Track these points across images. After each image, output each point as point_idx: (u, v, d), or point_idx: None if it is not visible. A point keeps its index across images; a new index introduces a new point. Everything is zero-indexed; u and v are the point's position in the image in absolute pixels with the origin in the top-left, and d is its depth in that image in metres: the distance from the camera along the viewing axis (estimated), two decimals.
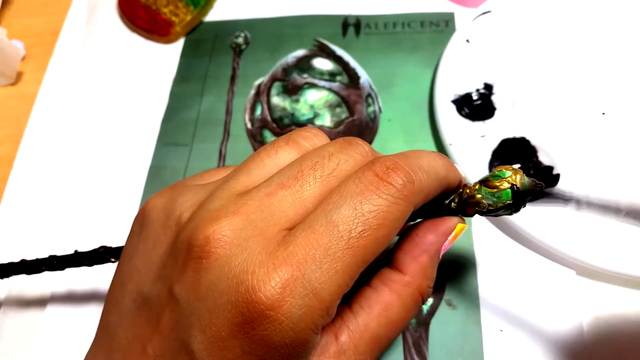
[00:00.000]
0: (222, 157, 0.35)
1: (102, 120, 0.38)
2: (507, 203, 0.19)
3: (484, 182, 0.20)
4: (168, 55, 0.40)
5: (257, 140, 0.35)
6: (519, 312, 0.28)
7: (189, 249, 0.16)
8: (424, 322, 0.28)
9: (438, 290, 0.29)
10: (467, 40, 0.35)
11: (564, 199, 0.20)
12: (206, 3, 0.41)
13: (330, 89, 0.36)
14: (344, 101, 0.36)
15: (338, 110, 0.36)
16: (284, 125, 0.35)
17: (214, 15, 0.42)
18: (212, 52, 0.40)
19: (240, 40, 0.40)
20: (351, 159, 0.18)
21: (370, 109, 0.36)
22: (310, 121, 0.35)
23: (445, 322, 0.28)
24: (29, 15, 0.44)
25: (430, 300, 0.29)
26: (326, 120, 0.35)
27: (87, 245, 0.33)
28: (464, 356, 0.27)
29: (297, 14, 0.40)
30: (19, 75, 0.41)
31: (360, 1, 0.40)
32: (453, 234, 0.20)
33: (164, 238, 0.18)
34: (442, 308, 0.28)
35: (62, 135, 0.37)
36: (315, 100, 0.36)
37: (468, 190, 0.20)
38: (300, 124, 0.35)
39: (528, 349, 0.27)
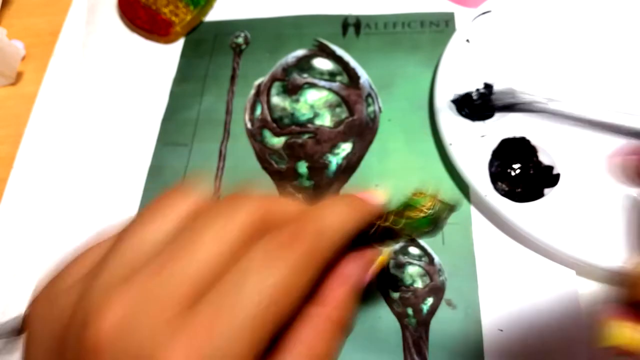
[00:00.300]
0: (222, 157, 0.35)
1: (102, 120, 0.38)
2: (425, 231, 0.20)
3: (400, 213, 0.20)
4: (168, 55, 0.40)
5: (257, 140, 0.35)
6: (519, 312, 0.28)
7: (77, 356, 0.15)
8: (424, 322, 0.28)
9: (438, 290, 0.29)
10: (467, 40, 0.35)
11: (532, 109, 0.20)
12: (206, 3, 0.41)
13: (330, 89, 0.36)
14: (344, 101, 0.36)
15: (338, 110, 0.36)
16: (284, 125, 0.36)
17: (214, 15, 0.42)
18: (212, 52, 0.40)
19: (240, 40, 0.40)
20: (235, 213, 0.17)
21: (370, 108, 0.36)
22: (310, 121, 0.35)
23: (445, 322, 0.28)
24: (29, 15, 0.44)
25: (430, 300, 0.29)
26: (326, 120, 0.35)
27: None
28: (464, 356, 0.27)
29: (297, 14, 0.40)
30: (19, 75, 0.41)
31: (360, 1, 0.40)
32: (374, 265, 0.21)
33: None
34: (442, 308, 0.28)
35: (62, 136, 0.37)
36: (315, 100, 0.36)
37: (387, 223, 0.20)
38: (300, 124, 0.35)
39: (528, 348, 0.27)
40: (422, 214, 0.20)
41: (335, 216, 0.19)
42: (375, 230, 0.21)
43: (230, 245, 0.16)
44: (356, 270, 0.20)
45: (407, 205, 0.20)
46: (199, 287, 0.15)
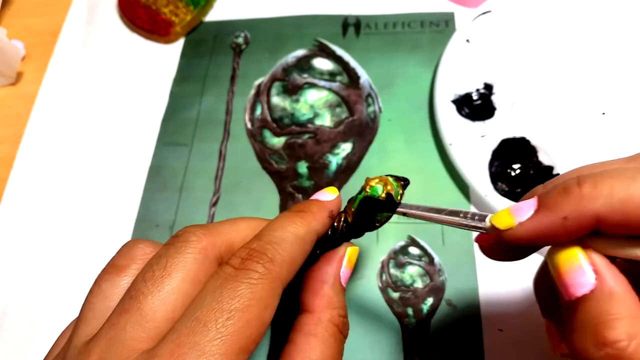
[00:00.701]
0: (222, 157, 0.35)
1: (102, 120, 0.38)
2: (382, 207, 0.21)
3: (356, 206, 0.22)
4: (168, 55, 0.40)
5: (257, 140, 0.35)
6: (519, 312, 0.28)
7: None
8: (424, 322, 0.28)
9: (438, 290, 0.29)
10: (467, 40, 0.35)
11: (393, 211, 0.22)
12: (206, 3, 0.41)
13: (330, 89, 0.36)
14: (344, 101, 0.36)
15: (338, 110, 0.36)
16: (284, 125, 0.35)
17: (214, 15, 0.42)
18: (212, 52, 0.40)
19: (240, 40, 0.40)
20: (181, 249, 0.18)
21: (370, 108, 0.36)
22: (310, 121, 0.35)
23: (445, 322, 0.28)
24: (29, 15, 0.44)
25: (430, 300, 0.29)
26: (326, 120, 0.35)
27: (86, 245, 0.33)
28: (464, 356, 0.27)
29: (297, 14, 0.40)
30: (19, 75, 0.41)
31: (360, 1, 0.40)
32: (346, 259, 0.21)
33: None
34: (442, 308, 0.28)
35: (62, 135, 0.37)
36: (315, 100, 0.36)
37: (342, 223, 0.22)
38: (300, 124, 0.35)
39: (528, 348, 0.27)
40: (375, 193, 0.21)
41: (286, 228, 0.19)
42: (336, 231, 0.22)
43: (183, 283, 0.17)
44: (331, 270, 0.21)
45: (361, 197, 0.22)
46: (157, 329, 0.16)
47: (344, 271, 0.21)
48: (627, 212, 0.14)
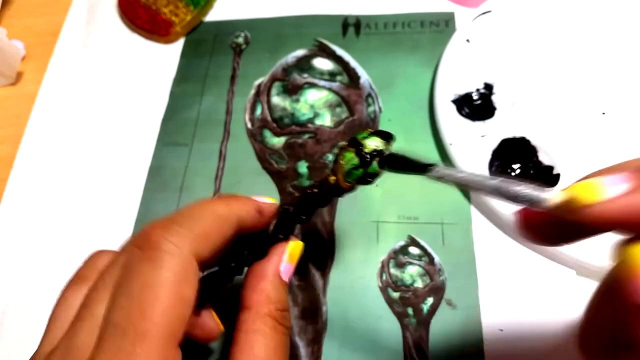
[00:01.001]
0: (222, 157, 0.35)
1: (102, 120, 0.38)
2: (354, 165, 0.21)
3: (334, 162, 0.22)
4: (168, 55, 0.40)
5: (257, 140, 0.35)
6: (519, 312, 0.28)
7: None
8: (424, 321, 0.28)
9: (438, 290, 0.29)
10: (467, 40, 0.35)
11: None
12: (206, 3, 0.41)
13: (330, 89, 0.36)
14: (344, 101, 0.36)
15: (338, 110, 0.36)
16: (284, 125, 0.35)
17: (214, 15, 0.42)
18: (212, 52, 0.40)
19: (240, 40, 0.40)
20: (149, 258, 0.18)
21: (371, 108, 0.36)
22: (311, 121, 0.35)
23: (446, 322, 0.28)
24: (29, 15, 0.44)
25: (430, 300, 0.29)
26: (326, 120, 0.35)
27: (87, 245, 0.33)
28: (464, 356, 0.27)
29: (297, 14, 0.40)
30: (19, 75, 0.41)
31: (360, 1, 0.40)
32: (287, 253, 0.21)
33: None
34: (442, 308, 0.28)
35: (62, 135, 0.37)
36: (315, 100, 0.36)
37: (272, 226, 0.22)
38: (301, 124, 0.35)
39: (528, 348, 0.27)
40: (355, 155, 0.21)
41: (205, 207, 0.19)
42: (275, 227, 0.22)
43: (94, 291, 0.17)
44: (269, 265, 0.21)
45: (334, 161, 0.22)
46: (85, 345, 0.16)
47: (285, 266, 0.21)
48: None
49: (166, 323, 0.16)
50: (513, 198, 0.15)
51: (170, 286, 0.16)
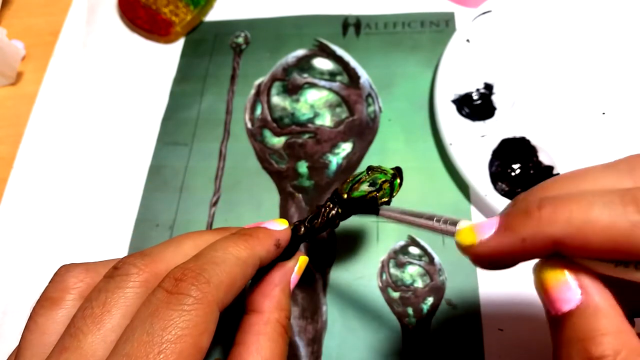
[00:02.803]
0: (222, 156, 0.35)
1: (102, 120, 0.38)
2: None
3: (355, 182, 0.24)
4: (168, 55, 0.40)
5: (257, 139, 0.35)
6: (519, 312, 0.28)
7: None
8: (424, 321, 0.28)
9: (438, 290, 0.29)
10: (467, 40, 0.35)
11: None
12: (206, 3, 0.41)
13: (330, 89, 0.36)
14: (344, 101, 0.36)
15: (338, 110, 0.36)
16: (284, 125, 0.36)
17: (214, 15, 0.42)
18: (212, 51, 0.40)
19: (240, 40, 0.40)
20: (120, 284, 0.18)
21: (371, 108, 0.36)
22: (311, 121, 0.35)
23: (446, 322, 0.28)
24: (29, 15, 0.44)
25: (430, 300, 0.29)
26: (326, 120, 0.35)
27: (86, 245, 0.33)
28: (464, 356, 0.27)
29: (297, 14, 0.40)
30: (19, 75, 0.41)
31: (361, 1, 0.40)
32: (298, 266, 0.23)
33: None
34: (443, 307, 0.28)
35: (62, 135, 0.37)
36: (315, 100, 0.36)
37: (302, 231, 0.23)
38: (301, 124, 0.35)
39: (528, 348, 0.27)
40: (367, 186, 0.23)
41: (226, 249, 0.19)
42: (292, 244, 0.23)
43: (124, 320, 0.17)
44: (281, 276, 0.22)
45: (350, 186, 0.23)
46: (103, 357, 0.16)
47: (294, 277, 0.23)
48: (585, 238, 0.14)
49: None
50: (438, 231, 0.18)
51: (190, 333, 0.16)
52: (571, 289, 0.15)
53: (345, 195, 0.23)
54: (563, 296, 0.15)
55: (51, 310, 0.18)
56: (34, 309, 0.19)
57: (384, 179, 0.23)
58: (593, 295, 0.14)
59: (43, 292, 0.19)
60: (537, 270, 0.16)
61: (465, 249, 0.16)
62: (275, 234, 0.22)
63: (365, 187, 0.23)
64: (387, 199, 0.23)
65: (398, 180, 0.24)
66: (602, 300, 0.14)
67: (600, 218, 0.14)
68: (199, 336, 0.16)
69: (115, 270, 0.18)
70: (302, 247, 0.31)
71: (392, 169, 0.24)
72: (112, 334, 0.16)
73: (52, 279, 0.20)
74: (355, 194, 0.23)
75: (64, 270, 0.20)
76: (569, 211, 0.14)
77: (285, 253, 0.23)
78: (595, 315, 0.14)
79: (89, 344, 0.16)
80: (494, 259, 0.16)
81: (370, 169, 0.24)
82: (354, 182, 0.23)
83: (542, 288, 0.16)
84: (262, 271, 0.22)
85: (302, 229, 0.23)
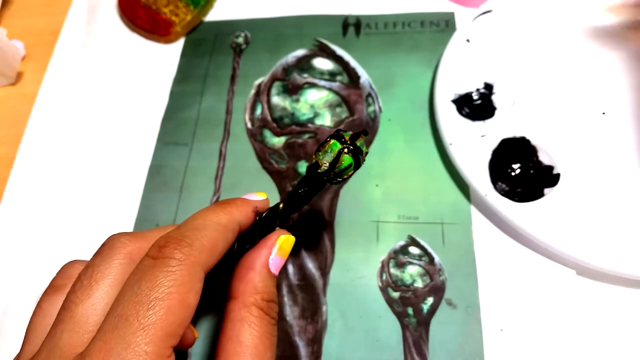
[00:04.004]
0: (222, 156, 0.35)
1: (102, 120, 0.38)
2: (339, 151, 0.21)
3: (316, 150, 0.22)
4: (168, 55, 0.40)
5: (257, 139, 0.35)
6: (519, 312, 0.28)
7: None
8: (424, 321, 0.28)
9: (438, 290, 0.29)
10: (467, 40, 0.35)
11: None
12: (206, 3, 0.41)
13: (330, 89, 0.36)
14: (344, 101, 0.36)
15: (338, 110, 0.36)
16: (284, 125, 0.36)
17: (214, 15, 0.42)
18: (212, 51, 0.40)
19: (240, 40, 0.40)
20: (106, 257, 0.19)
21: (371, 108, 0.36)
22: (311, 121, 0.35)
23: (446, 322, 0.28)
24: (29, 15, 0.44)
25: (430, 300, 0.29)
26: (326, 120, 0.35)
27: (86, 245, 0.33)
28: (464, 356, 0.27)
29: (297, 14, 0.40)
30: (19, 75, 0.41)
31: (361, 1, 0.40)
32: (278, 245, 0.22)
33: None
34: (443, 307, 0.28)
35: (62, 135, 0.38)
36: (315, 100, 0.36)
37: (312, 160, 0.22)
38: (301, 124, 0.35)
39: (528, 348, 0.27)
40: (333, 140, 0.21)
41: (207, 216, 0.20)
42: (269, 218, 0.23)
43: (111, 289, 0.18)
44: (258, 256, 0.21)
45: (321, 144, 0.22)
46: (90, 332, 0.17)
47: (275, 259, 0.21)
48: None
49: (169, 322, 0.16)
50: None
51: (177, 291, 0.17)
52: None
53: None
54: None
55: (54, 296, 0.20)
56: (40, 297, 0.20)
57: (336, 149, 0.21)
58: None
59: (49, 282, 0.21)
60: None
61: None
62: (252, 202, 0.23)
63: (324, 158, 0.21)
64: (328, 173, 0.21)
65: (345, 151, 0.21)
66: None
67: None
68: (186, 294, 0.17)
69: (102, 246, 0.20)
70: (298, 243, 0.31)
71: (352, 134, 0.21)
72: (101, 301, 0.18)
73: (58, 271, 0.21)
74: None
75: (70, 264, 0.21)
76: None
77: (264, 231, 0.22)
78: None
79: (80, 313, 0.17)
80: None
81: (333, 135, 0.21)
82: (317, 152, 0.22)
83: None
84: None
85: (280, 206, 0.23)
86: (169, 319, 0.16)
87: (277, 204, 0.23)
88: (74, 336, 0.17)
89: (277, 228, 0.23)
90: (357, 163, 0.21)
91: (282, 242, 0.22)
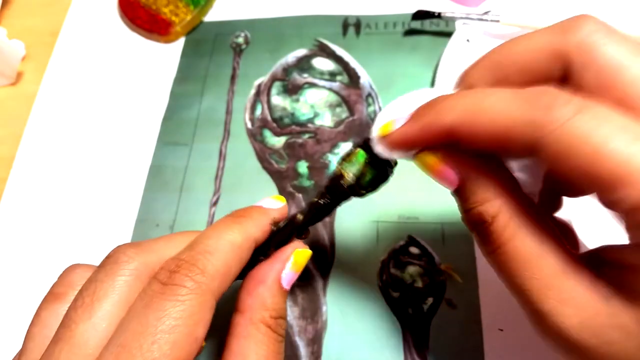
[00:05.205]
0: (222, 156, 0.35)
1: (102, 120, 0.38)
2: (366, 162, 0.20)
3: (341, 159, 0.21)
4: (168, 55, 0.40)
5: (257, 139, 0.35)
6: (519, 312, 0.28)
7: None
8: (424, 321, 0.28)
9: (438, 290, 0.29)
10: (468, 40, 0.35)
11: None
12: (206, 3, 0.41)
13: (330, 89, 0.36)
14: (344, 101, 0.36)
15: (338, 110, 0.36)
16: (284, 124, 0.36)
17: (214, 15, 0.42)
18: (212, 51, 0.40)
19: (240, 40, 0.40)
20: (110, 272, 0.18)
21: (371, 108, 0.36)
22: (311, 121, 0.35)
23: (446, 322, 0.28)
24: (29, 15, 0.44)
25: (430, 300, 0.29)
26: (326, 120, 0.35)
27: (86, 245, 0.33)
28: (464, 356, 0.27)
29: (297, 14, 0.40)
30: (19, 75, 0.41)
31: (361, 1, 0.40)
32: (293, 260, 0.20)
33: None
34: (443, 308, 0.28)
35: (62, 135, 0.38)
36: (315, 100, 0.36)
37: (336, 171, 0.21)
38: (301, 124, 0.35)
39: (528, 348, 0.27)
40: (358, 149, 0.20)
41: (221, 235, 0.18)
42: (285, 230, 0.21)
43: (114, 308, 0.17)
44: (270, 270, 0.20)
45: (344, 156, 0.21)
46: (90, 356, 0.16)
47: (288, 273, 0.20)
48: (474, 126, 0.16)
49: (174, 357, 0.15)
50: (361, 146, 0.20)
51: (185, 323, 0.16)
52: (447, 169, 0.18)
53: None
54: (443, 176, 0.18)
55: (54, 305, 0.18)
56: (40, 304, 0.19)
57: (363, 160, 0.20)
58: (470, 172, 0.17)
59: (49, 289, 0.19)
60: (419, 156, 0.19)
61: (382, 138, 0.19)
62: (270, 212, 0.21)
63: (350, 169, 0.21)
64: (353, 187, 0.20)
65: (371, 161, 0.20)
66: (478, 177, 0.17)
67: (491, 107, 0.15)
68: (194, 326, 0.16)
69: (106, 259, 0.18)
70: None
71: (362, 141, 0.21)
72: (102, 322, 0.17)
73: (58, 277, 0.20)
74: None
75: (71, 269, 0.20)
76: (465, 101, 0.16)
77: (280, 243, 0.21)
78: (474, 188, 0.17)
79: (80, 333, 0.16)
80: (400, 144, 0.18)
81: (360, 144, 0.21)
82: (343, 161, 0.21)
83: (427, 169, 0.19)
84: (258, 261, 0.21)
85: (299, 217, 0.21)
86: (174, 354, 0.15)
87: (295, 215, 0.21)
88: (72, 358, 0.16)
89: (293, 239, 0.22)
90: (384, 176, 0.20)
91: (297, 256, 0.21)
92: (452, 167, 0.17)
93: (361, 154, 0.20)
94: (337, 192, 0.21)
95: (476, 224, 0.17)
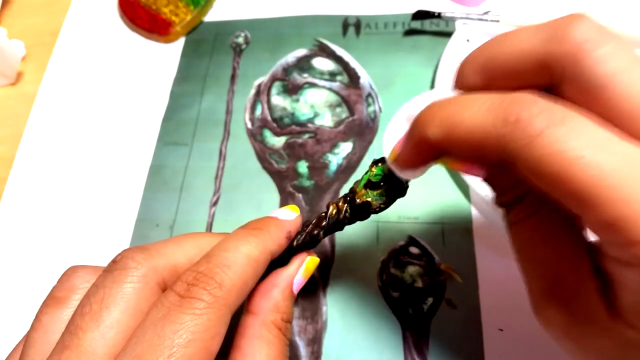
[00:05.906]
0: (222, 156, 0.35)
1: (102, 120, 0.38)
2: (386, 186, 0.21)
3: (364, 186, 0.22)
4: (168, 55, 0.40)
5: (257, 139, 0.35)
6: (519, 312, 0.28)
7: None
8: (424, 321, 0.28)
9: (438, 290, 0.29)
10: (467, 40, 0.35)
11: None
12: (206, 3, 0.41)
13: (330, 89, 0.36)
14: (344, 101, 0.36)
15: (338, 109, 0.36)
16: (284, 124, 0.36)
17: (214, 15, 0.42)
18: (212, 51, 0.40)
19: (240, 40, 0.40)
20: (118, 278, 0.17)
21: (371, 108, 0.36)
22: (311, 121, 0.35)
23: (446, 322, 0.28)
24: (29, 15, 0.44)
25: (430, 300, 0.29)
26: (326, 119, 0.35)
27: (87, 245, 0.33)
28: (464, 356, 0.27)
29: (297, 14, 0.40)
30: (19, 75, 0.41)
31: (361, 1, 0.40)
32: (304, 267, 0.21)
33: None
34: (443, 308, 0.28)
35: (62, 135, 0.38)
36: (315, 99, 0.36)
37: (357, 199, 0.22)
38: (301, 124, 0.35)
39: (528, 348, 0.27)
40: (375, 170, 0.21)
41: (237, 247, 0.18)
42: (298, 241, 0.22)
43: (123, 316, 0.17)
44: (284, 274, 0.21)
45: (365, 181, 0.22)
46: (104, 354, 0.16)
47: (299, 279, 0.21)
48: (452, 140, 0.15)
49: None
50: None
51: (201, 337, 0.16)
52: (471, 167, 0.17)
53: (358, 200, 0.22)
54: (469, 173, 0.18)
55: (56, 309, 0.18)
56: (40, 308, 0.19)
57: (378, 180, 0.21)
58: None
59: (50, 292, 0.19)
60: (441, 163, 0.18)
61: (393, 164, 0.19)
62: (286, 225, 0.21)
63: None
64: (379, 204, 0.22)
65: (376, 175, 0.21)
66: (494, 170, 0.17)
67: (468, 120, 0.15)
68: (210, 340, 0.16)
69: (113, 264, 0.18)
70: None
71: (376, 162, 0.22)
72: (110, 330, 0.16)
73: (59, 279, 0.19)
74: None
75: (71, 271, 0.19)
76: (442, 115, 0.16)
77: (298, 250, 0.22)
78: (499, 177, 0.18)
79: (88, 341, 0.16)
80: (410, 165, 0.18)
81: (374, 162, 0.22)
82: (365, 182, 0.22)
83: (453, 171, 0.19)
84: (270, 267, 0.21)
85: (321, 234, 0.22)
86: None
87: (318, 234, 0.22)
88: None
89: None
90: (401, 193, 0.22)
91: (308, 263, 0.22)
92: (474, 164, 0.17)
93: (383, 179, 0.21)
94: (362, 216, 0.22)
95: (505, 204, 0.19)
